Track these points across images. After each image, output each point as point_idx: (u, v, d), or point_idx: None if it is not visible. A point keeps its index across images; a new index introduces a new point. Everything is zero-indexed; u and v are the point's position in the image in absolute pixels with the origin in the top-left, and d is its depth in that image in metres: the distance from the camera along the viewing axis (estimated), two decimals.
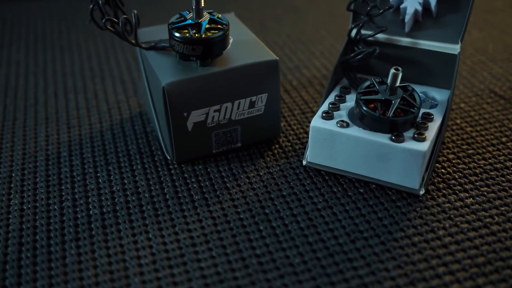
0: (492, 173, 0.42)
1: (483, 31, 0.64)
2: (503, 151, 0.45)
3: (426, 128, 0.40)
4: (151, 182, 0.42)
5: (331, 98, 0.44)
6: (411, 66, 0.45)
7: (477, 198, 0.40)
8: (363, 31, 0.45)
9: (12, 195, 0.41)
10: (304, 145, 0.46)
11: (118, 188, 0.41)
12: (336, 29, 0.66)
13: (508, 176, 0.42)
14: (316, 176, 0.42)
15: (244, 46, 0.43)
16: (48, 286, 0.34)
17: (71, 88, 0.54)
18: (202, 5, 0.40)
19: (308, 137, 0.47)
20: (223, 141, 0.44)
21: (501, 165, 0.43)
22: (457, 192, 0.41)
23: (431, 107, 0.43)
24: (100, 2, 0.43)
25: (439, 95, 0.44)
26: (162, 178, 0.42)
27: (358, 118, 0.40)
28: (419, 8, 0.44)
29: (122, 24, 0.42)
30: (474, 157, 0.44)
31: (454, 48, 0.43)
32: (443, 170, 0.43)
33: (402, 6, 0.44)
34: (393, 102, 0.39)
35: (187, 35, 0.40)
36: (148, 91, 0.45)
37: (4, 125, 0.49)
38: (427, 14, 0.44)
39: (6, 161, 0.44)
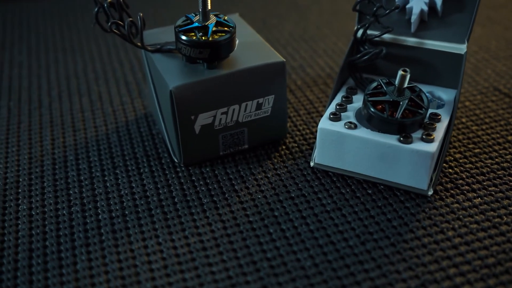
0: (500, 172, 0.42)
1: (486, 27, 0.64)
2: (510, 149, 0.45)
3: (434, 129, 0.40)
4: (159, 186, 0.42)
5: (338, 99, 0.44)
6: (417, 66, 0.45)
7: (485, 198, 0.40)
8: (368, 31, 0.45)
9: (20, 200, 0.41)
10: (310, 146, 0.46)
11: (126, 192, 0.41)
12: (338, 27, 0.66)
13: None
14: (324, 177, 0.42)
15: (250, 47, 0.43)
16: None
17: (75, 90, 0.54)
18: (209, 7, 0.40)
19: (314, 138, 0.47)
20: (230, 143, 0.44)
21: (508, 164, 0.43)
22: (465, 192, 0.41)
23: (438, 107, 0.43)
24: (105, 5, 0.43)
25: (445, 94, 0.44)
26: (170, 181, 0.42)
27: (365, 119, 0.40)
28: (425, 8, 0.44)
29: (128, 27, 0.42)
30: (481, 156, 0.44)
31: (460, 48, 0.43)
32: (450, 170, 0.43)
33: (408, 6, 0.44)
34: (401, 103, 0.39)
35: (194, 38, 0.40)
36: (154, 93, 0.45)
37: (9, 128, 0.49)
38: (433, 14, 0.44)
39: (13, 166, 0.44)
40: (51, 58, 0.60)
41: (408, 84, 0.40)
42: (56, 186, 0.42)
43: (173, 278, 0.35)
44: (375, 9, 0.43)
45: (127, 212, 0.40)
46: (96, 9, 0.43)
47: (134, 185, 0.42)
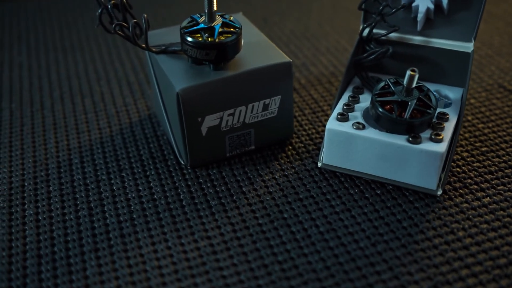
0: (507, 171, 0.42)
1: (488, 23, 0.64)
2: None
3: (442, 129, 0.40)
4: (166, 188, 0.42)
5: (345, 99, 0.43)
6: (424, 65, 0.45)
7: (494, 197, 0.40)
8: (374, 30, 0.45)
9: (26, 205, 0.41)
10: (317, 146, 0.45)
11: (133, 195, 0.41)
12: (340, 24, 0.65)
13: None
14: (332, 178, 0.42)
15: (256, 48, 0.43)
16: None
17: (77, 92, 0.54)
18: (215, 8, 0.40)
19: (321, 138, 0.46)
20: (236, 144, 0.43)
21: None
22: (474, 191, 0.41)
23: (445, 106, 0.43)
24: (109, 6, 0.42)
25: (452, 93, 0.44)
26: (177, 184, 0.42)
27: (374, 119, 0.40)
28: (431, 6, 0.43)
29: (132, 28, 0.41)
30: (488, 154, 0.44)
31: (467, 47, 0.43)
32: (458, 169, 0.43)
33: (414, 4, 0.44)
34: (409, 103, 0.39)
35: (200, 39, 0.39)
36: (159, 95, 0.44)
37: (12, 131, 0.48)
38: (439, 12, 0.44)
39: (18, 170, 0.44)
40: (51, 58, 0.59)
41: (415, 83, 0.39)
42: (62, 190, 0.42)
43: (184, 283, 0.35)
44: (381, 8, 0.43)
45: (135, 216, 0.39)
46: (99, 11, 0.42)
47: (141, 188, 0.42)
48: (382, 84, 0.40)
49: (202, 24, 0.40)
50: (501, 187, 0.41)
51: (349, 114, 0.41)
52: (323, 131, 0.47)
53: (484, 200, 0.40)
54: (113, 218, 0.39)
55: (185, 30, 0.40)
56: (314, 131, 0.47)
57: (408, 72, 0.38)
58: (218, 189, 0.41)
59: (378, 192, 0.41)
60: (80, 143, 0.47)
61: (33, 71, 0.57)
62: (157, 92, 0.45)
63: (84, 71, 0.57)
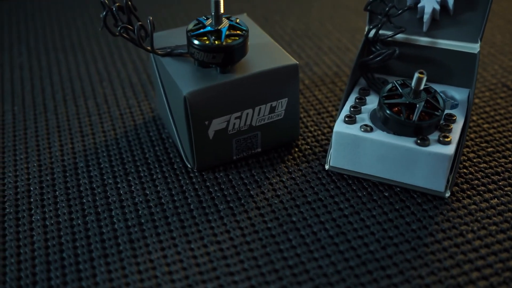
0: None
1: (489, 21, 0.64)
2: None
3: (450, 130, 0.40)
4: (173, 192, 0.41)
5: (351, 100, 0.43)
6: (429, 66, 0.45)
7: (502, 198, 0.40)
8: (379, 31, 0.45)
9: (33, 210, 0.40)
10: (323, 148, 0.45)
11: (140, 199, 0.41)
12: (341, 22, 0.65)
13: None
14: (340, 180, 0.42)
15: (262, 50, 0.43)
16: None
17: (80, 93, 0.53)
18: (222, 11, 0.39)
19: (327, 139, 0.46)
20: (243, 147, 0.43)
21: None
22: (482, 193, 0.41)
23: (452, 107, 0.43)
24: (114, 8, 0.42)
25: (458, 94, 0.44)
26: (184, 188, 0.42)
27: (381, 121, 0.40)
28: (437, 6, 0.43)
29: (137, 31, 0.41)
30: (494, 155, 0.44)
31: (473, 47, 0.43)
32: (465, 170, 0.43)
33: (419, 5, 0.44)
34: (417, 105, 0.39)
35: (207, 42, 0.39)
36: (165, 98, 0.44)
37: (15, 135, 0.48)
38: (445, 13, 0.44)
39: (23, 174, 0.43)
40: (52, 59, 0.59)
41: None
42: (68, 194, 0.42)
43: None
44: (387, 9, 0.43)
45: (143, 221, 0.39)
46: (104, 13, 0.42)
47: (148, 192, 0.42)
48: (390, 86, 0.40)
49: (209, 27, 0.40)
50: (508, 188, 0.41)
51: (356, 116, 0.41)
52: (329, 132, 0.47)
53: (492, 201, 0.40)
54: (121, 223, 0.39)
55: (192, 33, 0.40)
56: (319, 132, 0.47)
57: (416, 75, 0.38)
58: (225, 193, 0.41)
59: (386, 194, 0.41)
60: (85, 146, 0.46)
61: (34, 72, 0.57)
62: (162, 95, 0.44)
63: (86, 72, 0.57)
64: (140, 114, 0.50)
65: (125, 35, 0.42)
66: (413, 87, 0.39)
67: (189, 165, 0.43)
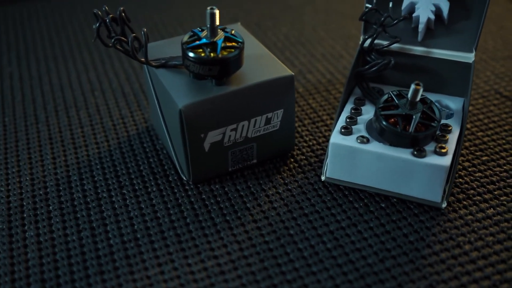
0: (509, 180, 0.43)
1: None
2: None
3: (446, 141, 0.40)
4: (169, 206, 0.41)
5: (347, 111, 0.43)
6: (424, 75, 0.45)
7: (497, 208, 0.40)
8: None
9: (26, 226, 0.40)
10: (319, 158, 0.45)
11: (136, 213, 0.40)
12: (334, 29, 0.65)
13: None
14: (336, 191, 0.42)
15: (257, 61, 0.42)
16: None
17: (71, 103, 0.53)
18: (217, 23, 0.39)
19: (322, 149, 0.46)
20: (239, 158, 0.43)
21: None
22: (477, 202, 0.41)
23: (447, 117, 0.43)
24: (108, 20, 0.41)
25: (453, 103, 0.44)
26: (180, 201, 0.41)
27: (377, 132, 0.40)
28: (432, 16, 0.43)
29: (131, 43, 0.40)
30: (489, 164, 0.44)
31: (468, 57, 0.43)
32: (460, 180, 0.43)
33: (414, 14, 0.44)
34: (414, 117, 0.39)
35: (203, 55, 0.39)
36: (159, 110, 0.44)
37: (7, 147, 0.47)
38: (440, 22, 0.44)
39: (15, 188, 0.43)
40: (42, 68, 0.58)
41: None
42: (62, 209, 0.41)
43: None
44: (382, 19, 0.43)
45: (139, 236, 0.39)
46: (97, 24, 0.41)
47: (143, 206, 0.41)
48: (386, 97, 0.40)
49: (204, 39, 0.39)
50: (504, 197, 0.41)
51: (353, 127, 0.41)
52: (324, 142, 0.47)
53: (488, 211, 0.40)
54: (116, 239, 0.39)
55: (187, 46, 0.39)
56: (315, 142, 0.47)
57: (413, 86, 0.38)
58: (222, 205, 0.41)
59: (383, 205, 0.41)
60: (78, 159, 0.46)
61: (24, 81, 0.56)
62: (157, 107, 0.44)
63: (77, 82, 0.56)
64: (134, 124, 0.50)
65: (118, 47, 0.41)
66: (409, 99, 0.39)
67: (184, 178, 0.43)
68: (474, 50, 0.43)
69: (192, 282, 0.35)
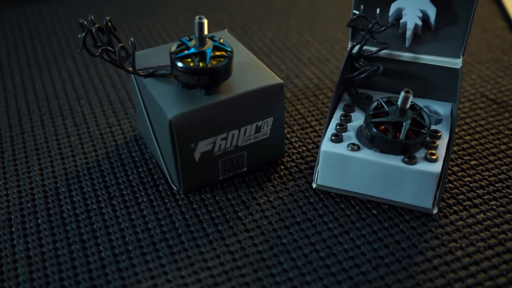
0: (498, 185, 0.43)
1: None
2: (504, 160, 0.45)
3: (435, 147, 0.40)
4: (160, 216, 0.41)
5: (337, 118, 0.43)
6: (412, 81, 0.45)
7: (487, 213, 0.41)
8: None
9: (15, 241, 0.39)
10: (309, 165, 0.45)
11: (126, 225, 0.40)
12: (320, 33, 0.65)
13: None
14: (327, 198, 0.42)
15: (246, 69, 0.42)
16: None
17: (57, 113, 0.52)
18: (206, 32, 0.39)
19: (312, 156, 0.46)
20: (229, 167, 0.43)
21: (505, 175, 0.44)
22: (468, 208, 0.41)
23: (436, 122, 0.43)
24: (94, 30, 0.41)
25: (441, 108, 0.45)
26: (171, 211, 0.41)
27: (368, 139, 0.40)
28: (419, 22, 0.43)
29: (119, 53, 0.40)
30: (478, 168, 0.45)
31: (456, 63, 0.43)
32: (450, 185, 0.43)
33: (401, 21, 0.44)
34: (404, 124, 0.39)
35: (192, 65, 0.38)
36: (148, 119, 0.43)
37: None
38: (427, 28, 0.44)
39: (2, 201, 0.42)
40: (26, 77, 0.57)
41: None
42: (51, 222, 0.40)
43: None
44: (370, 25, 0.43)
45: (130, 248, 0.38)
46: (83, 34, 0.41)
47: (134, 217, 0.41)
48: (375, 104, 0.40)
49: (193, 49, 0.39)
50: (493, 202, 0.41)
51: (343, 134, 0.41)
52: (314, 148, 0.47)
53: (478, 216, 0.40)
54: (108, 251, 0.38)
55: (176, 55, 0.39)
56: (304, 148, 0.47)
57: (403, 93, 0.38)
58: (213, 215, 0.41)
59: (374, 212, 0.41)
60: (65, 170, 0.45)
61: (8, 91, 0.55)
62: (145, 116, 0.43)
63: (62, 90, 0.55)
64: (121, 133, 0.49)
65: (105, 57, 0.41)
66: (399, 106, 0.39)
67: (174, 188, 0.43)
68: (461, 56, 0.43)
69: None
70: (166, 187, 0.43)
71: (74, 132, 0.49)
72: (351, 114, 0.43)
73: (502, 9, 0.68)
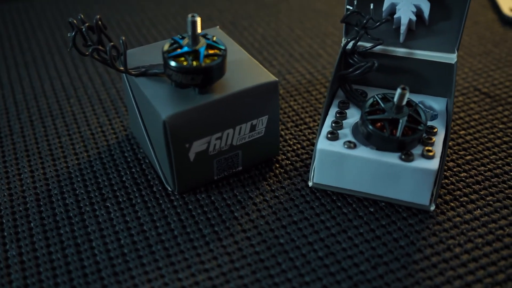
0: (494, 180, 0.43)
1: None
2: (499, 154, 0.45)
3: (432, 144, 0.40)
4: (155, 218, 0.40)
5: (332, 115, 0.43)
6: (407, 76, 0.45)
7: (484, 209, 0.41)
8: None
9: (8, 246, 0.38)
10: (304, 163, 0.45)
11: (121, 227, 0.39)
12: (311, 27, 0.64)
13: (509, 182, 0.43)
14: (324, 197, 0.42)
15: (240, 67, 0.42)
16: None
17: (46, 113, 0.51)
18: (199, 31, 0.38)
19: (307, 154, 0.46)
20: (224, 166, 0.42)
21: (500, 170, 0.44)
22: (464, 204, 0.41)
23: (432, 118, 0.43)
24: (84, 29, 0.40)
25: (436, 103, 0.44)
26: (166, 212, 0.40)
27: (364, 137, 0.40)
28: (413, 17, 0.43)
29: (110, 52, 0.39)
30: (473, 163, 0.45)
31: (450, 58, 0.43)
32: (446, 181, 0.43)
33: (395, 16, 0.43)
34: (400, 121, 0.38)
35: (185, 64, 0.38)
36: (140, 119, 0.42)
37: None
38: (421, 23, 0.44)
39: None
40: (13, 76, 0.56)
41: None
42: (44, 226, 0.40)
43: None
44: (365, 21, 0.43)
45: (126, 251, 0.38)
46: (73, 33, 0.40)
47: (128, 219, 0.40)
48: (371, 101, 0.40)
49: (186, 48, 0.38)
50: (490, 197, 0.41)
51: (339, 131, 0.41)
52: (308, 146, 0.46)
53: (475, 212, 0.40)
54: (103, 255, 0.37)
55: (168, 54, 0.38)
56: (299, 146, 0.46)
57: (399, 90, 0.38)
58: (209, 216, 0.40)
59: (372, 210, 0.40)
60: (57, 171, 0.44)
61: None
62: (137, 116, 0.43)
63: (51, 89, 0.54)
64: (113, 133, 0.48)
65: (96, 56, 0.40)
66: (395, 103, 0.39)
67: (169, 188, 0.42)
68: (456, 51, 0.43)
69: None
70: (160, 188, 0.42)
71: (65, 132, 0.48)
72: (346, 111, 0.43)
73: (492, 1, 0.68)
